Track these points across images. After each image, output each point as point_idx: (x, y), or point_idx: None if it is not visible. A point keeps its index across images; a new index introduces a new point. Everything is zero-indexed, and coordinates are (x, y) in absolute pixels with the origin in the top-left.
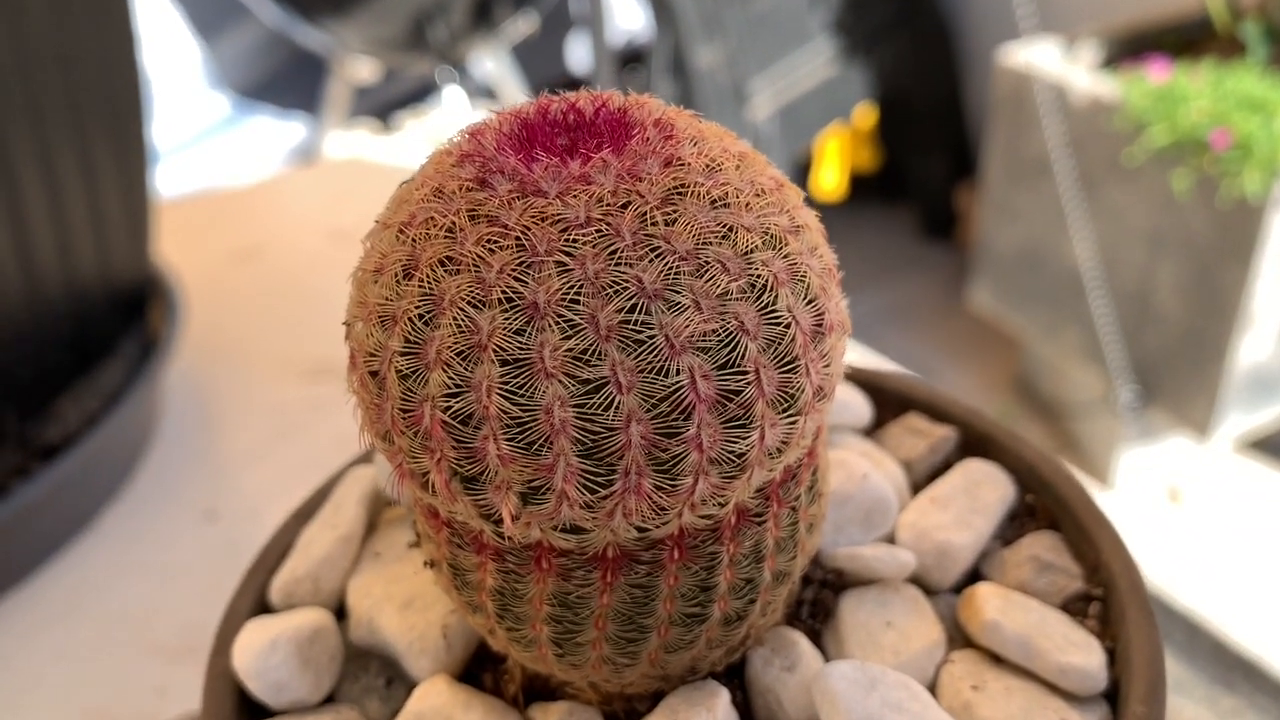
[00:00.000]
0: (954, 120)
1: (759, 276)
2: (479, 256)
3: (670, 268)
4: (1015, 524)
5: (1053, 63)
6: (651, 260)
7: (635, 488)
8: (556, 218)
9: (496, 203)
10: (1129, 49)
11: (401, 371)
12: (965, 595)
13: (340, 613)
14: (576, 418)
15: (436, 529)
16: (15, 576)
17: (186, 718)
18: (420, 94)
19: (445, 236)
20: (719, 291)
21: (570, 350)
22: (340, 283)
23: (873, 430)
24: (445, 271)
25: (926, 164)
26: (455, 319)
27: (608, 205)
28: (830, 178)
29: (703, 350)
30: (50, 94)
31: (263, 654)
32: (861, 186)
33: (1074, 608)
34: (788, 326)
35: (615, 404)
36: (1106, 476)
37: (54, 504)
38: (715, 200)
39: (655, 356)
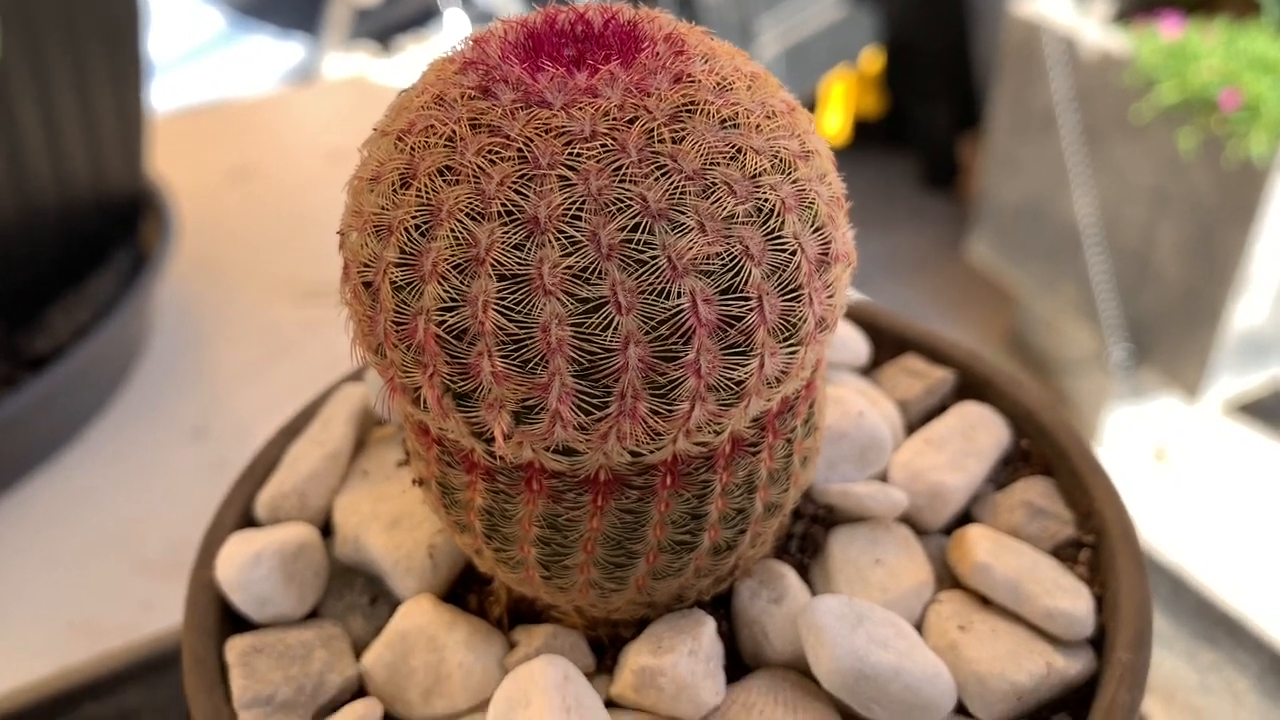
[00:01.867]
0: (961, 69)
1: (766, 201)
2: (479, 167)
3: (676, 187)
4: (1009, 468)
5: (1064, 14)
6: (657, 178)
7: (630, 411)
8: (560, 130)
9: (499, 112)
10: (1142, 4)
11: (396, 283)
12: (956, 536)
13: (326, 529)
14: (574, 337)
15: (426, 446)
16: (2, 485)
17: (172, 632)
18: (422, 18)
19: (445, 145)
20: (725, 214)
21: (570, 268)
22: (337, 205)
23: (870, 370)
24: (444, 181)
25: (931, 112)
26: (453, 230)
27: (614, 119)
28: (834, 122)
29: (705, 274)
30: (46, 6)
31: (247, 567)
32: (865, 132)
33: (1064, 554)
34: (793, 254)
35: (614, 324)
36: (1095, 433)
37: (43, 414)
38: (725, 120)
39: (656, 278)
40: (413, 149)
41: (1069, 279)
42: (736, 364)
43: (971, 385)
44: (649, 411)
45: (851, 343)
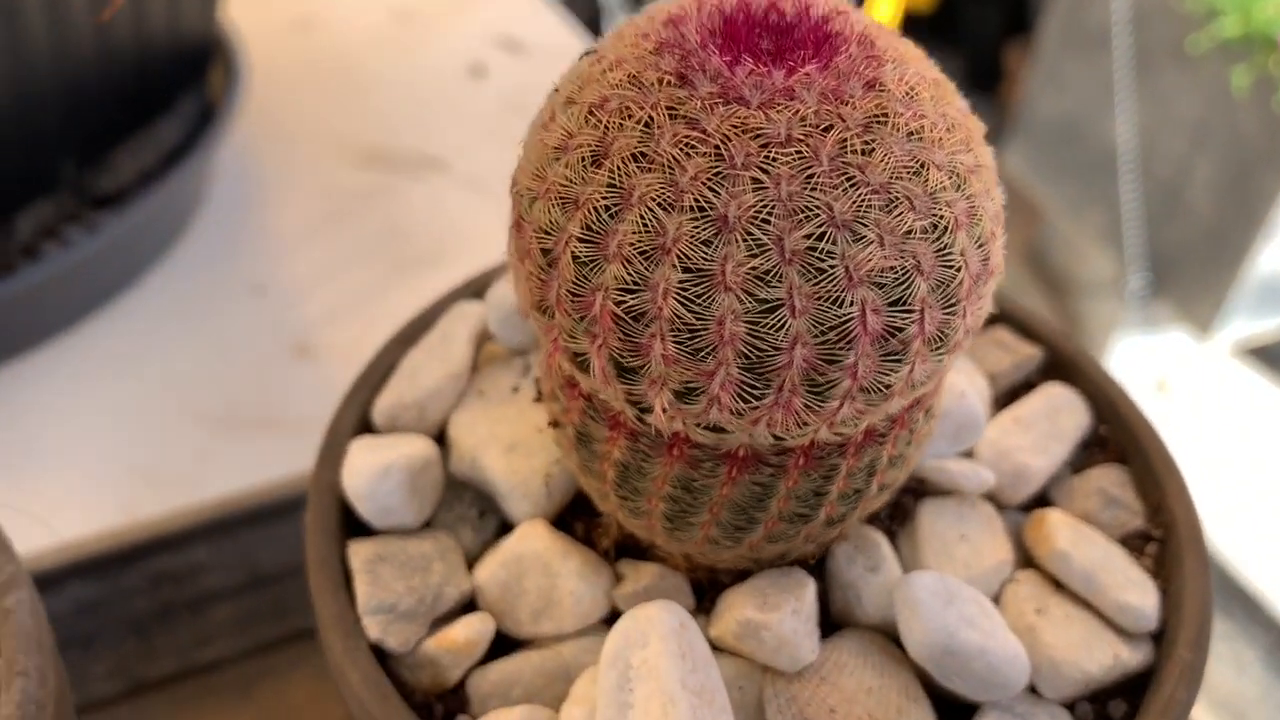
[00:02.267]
0: None
1: (942, 218)
2: (674, 158)
3: (862, 200)
4: (1087, 452)
5: None
6: (846, 189)
7: (786, 403)
8: (758, 131)
9: (697, 104)
10: None
11: (578, 257)
12: (1035, 517)
13: (440, 440)
14: (747, 333)
15: (572, 398)
16: (66, 322)
17: (236, 495)
18: None
19: (641, 130)
20: (905, 229)
21: (754, 269)
22: (402, 69)
23: None
24: (638, 167)
25: (981, 13)
26: (642, 217)
27: (810, 125)
28: (884, 11)
29: (878, 285)
30: None
31: (375, 478)
32: (913, 25)
33: (1132, 544)
34: (959, 270)
35: (786, 326)
36: (1101, 358)
37: (111, 256)
38: (911, 133)
39: (833, 286)
40: (606, 127)
41: (1097, 203)
42: (891, 369)
43: (1057, 364)
44: (802, 405)
45: None
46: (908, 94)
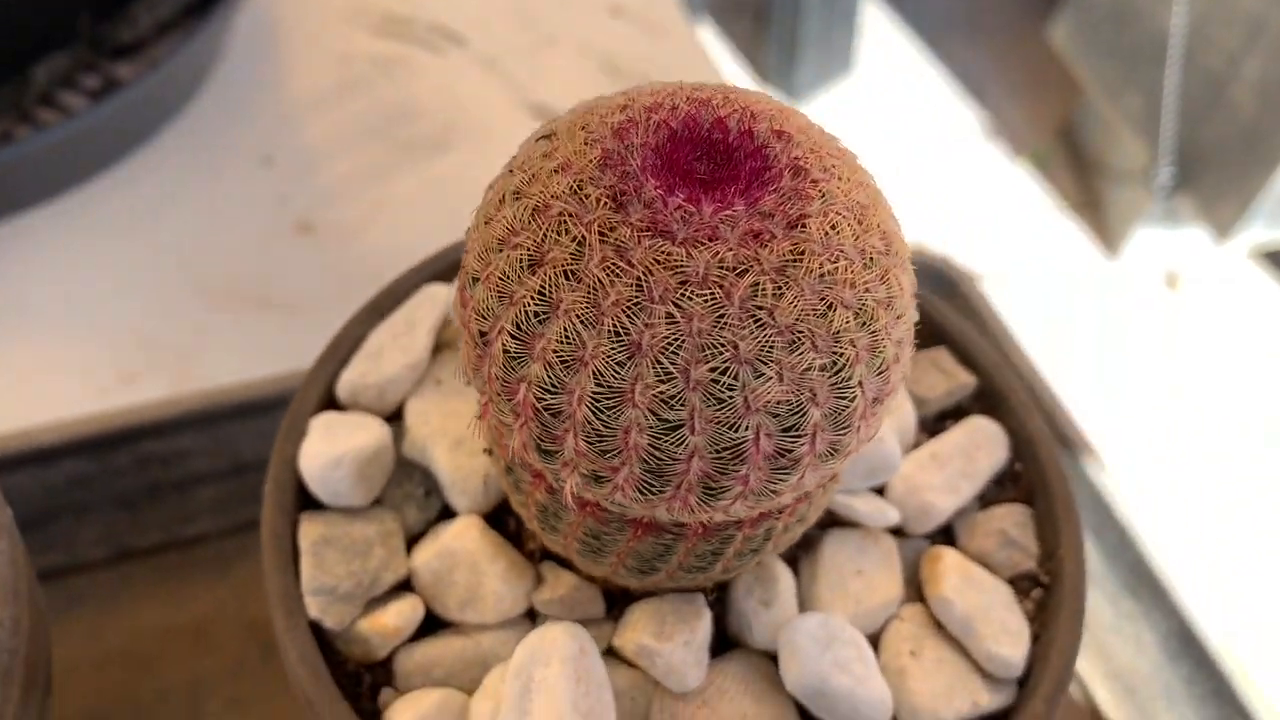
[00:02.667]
0: None
1: (842, 355)
2: (600, 281)
3: (767, 340)
4: (999, 487)
5: None
6: (752, 330)
7: (682, 499)
8: (678, 268)
9: (628, 231)
10: None
11: (508, 350)
12: (931, 555)
13: (398, 414)
14: (649, 445)
15: (502, 447)
16: (75, 180)
17: (223, 389)
18: None
19: (575, 247)
20: (804, 367)
21: (660, 393)
22: None
23: None
24: (567, 282)
25: None
26: (566, 330)
27: (727, 268)
28: None
29: (773, 415)
30: None
31: (327, 468)
32: None
33: (1020, 585)
34: (854, 399)
35: (685, 442)
36: (1117, 246)
37: (124, 116)
38: (824, 274)
39: (731, 413)
40: (544, 236)
41: (1138, 88)
42: (780, 479)
43: (989, 395)
44: (697, 501)
45: None
46: (829, 231)
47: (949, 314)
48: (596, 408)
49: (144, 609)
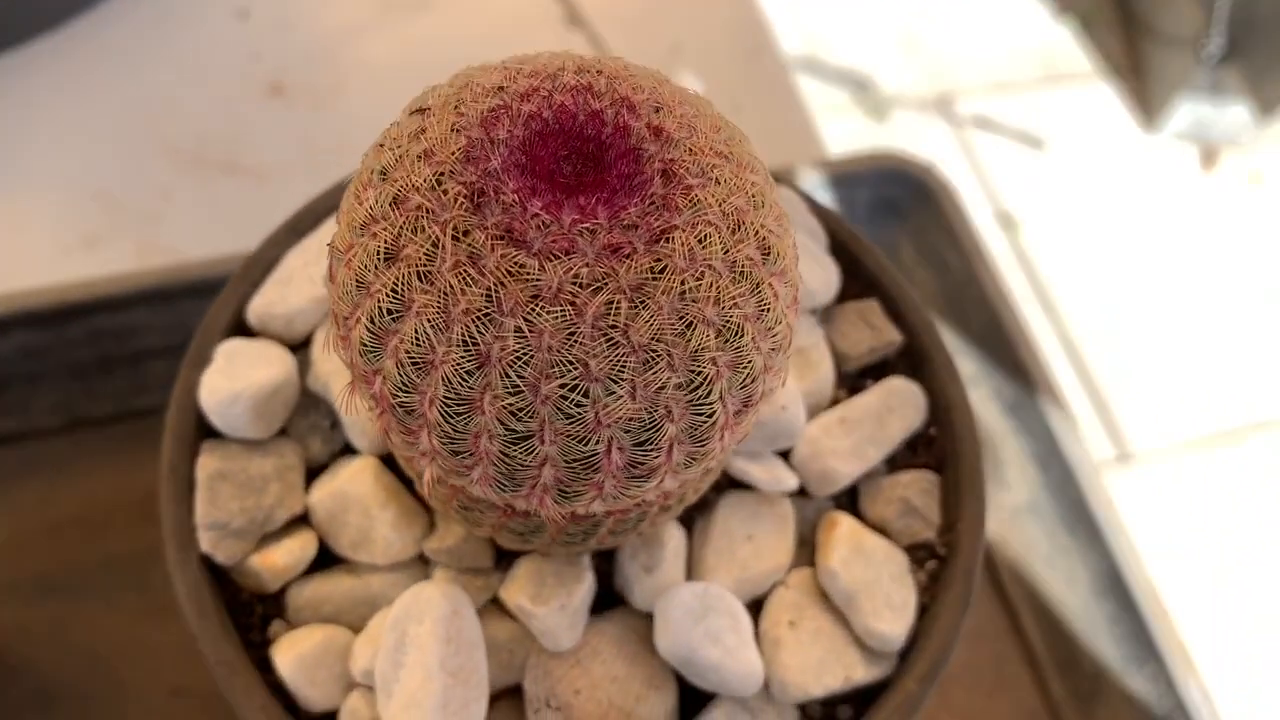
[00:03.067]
0: None
1: (700, 373)
2: (450, 286)
3: (620, 359)
4: (911, 451)
5: None
6: (604, 348)
7: (539, 499)
8: (530, 281)
9: (483, 237)
10: None
11: (364, 342)
12: (828, 521)
13: (307, 342)
14: (500, 452)
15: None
16: (45, 24)
17: (176, 266)
18: None
19: (429, 248)
20: (658, 386)
21: (509, 405)
22: None
23: (832, 306)
24: (418, 281)
25: None
26: (417, 331)
27: (581, 284)
28: None
29: (625, 430)
30: None
31: (224, 404)
32: None
33: (916, 555)
34: (711, 415)
35: (535, 451)
36: (1156, 115)
37: None
38: (685, 292)
39: (581, 428)
40: (401, 229)
41: None
42: (636, 487)
43: (912, 354)
44: (553, 502)
45: (819, 289)
46: (696, 244)
47: (885, 266)
48: (447, 412)
49: (95, 478)
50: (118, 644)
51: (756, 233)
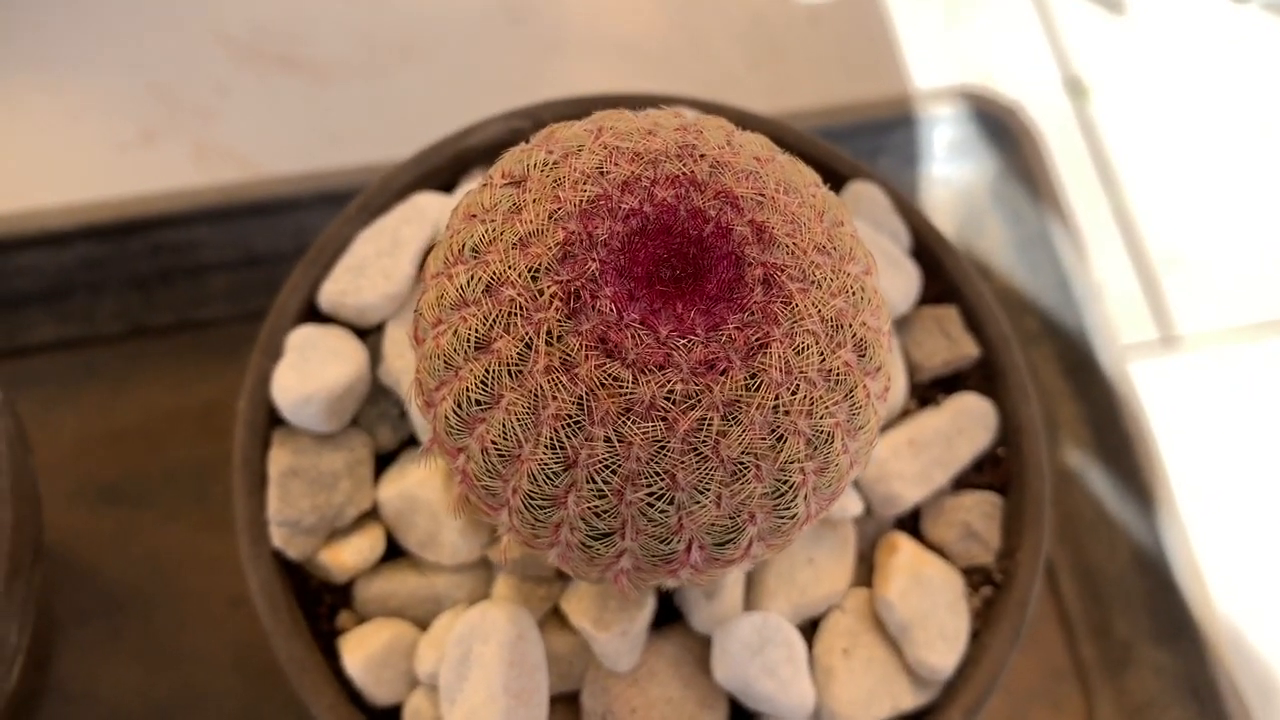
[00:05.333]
0: None
1: (787, 482)
2: (541, 389)
3: (708, 474)
4: (977, 471)
5: None
6: (694, 461)
7: (614, 578)
8: (623, 393)
9: (575, 341)
10: None
11: (449, 420)
12: (888, 544)
13: (379, 327)
14: (580, 544)
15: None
16: None
17: (238, 184)
18: None
19: (521, 347)
20: (744, 496)
21: (593, 507)
22: None
23: (911, 313)
24: (508, 377)
25: None
26: (505, 426)
27: (675, 399)
28: None
29: (707, 533)
30: None
31: (297, 404)
32: None
33: (973, 577)
34: (794, 517)
35: (616, 546)
36: None
37: None
38: (778, 407)
39: (663, 530)
40: (494, 321)
41: None
42: (713, 572)
43: (987, 368)
44: (629, 583)
45: (898, 296)
46: (793, 356)
47: (968, 271)
48: (530, 504)
49: (157, 387)
50: (179, 553)
51: (855, 334)
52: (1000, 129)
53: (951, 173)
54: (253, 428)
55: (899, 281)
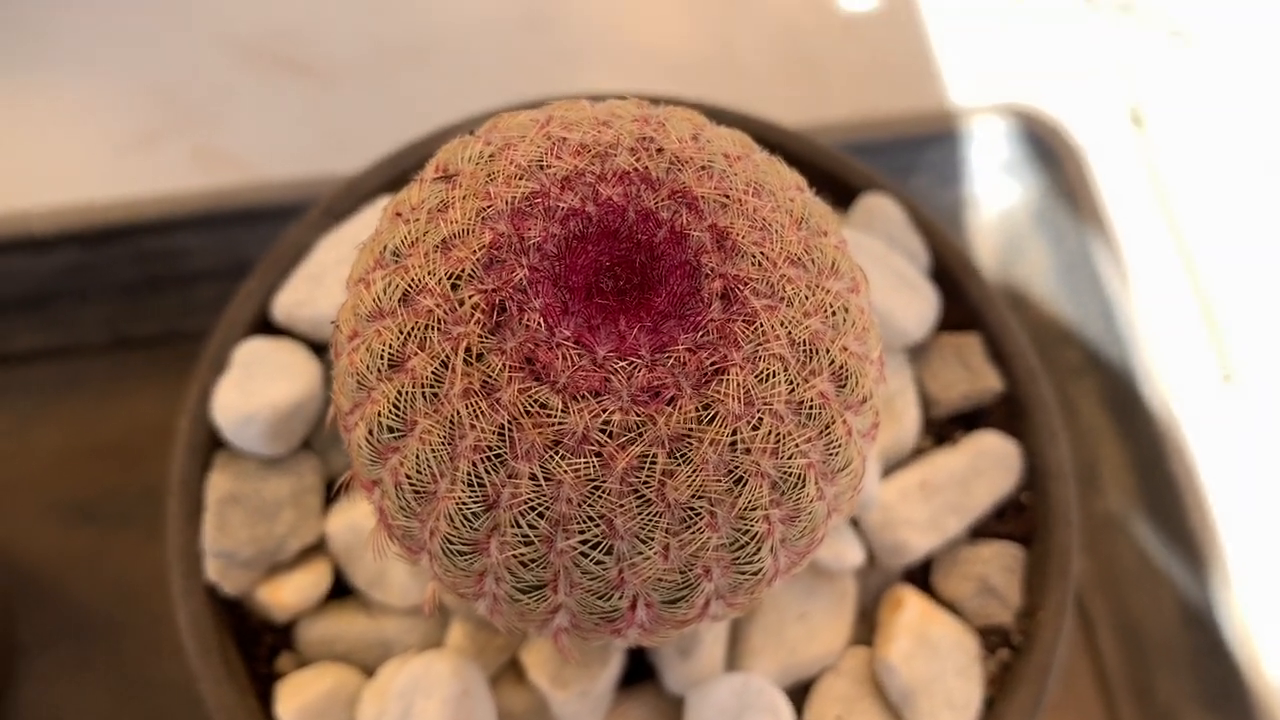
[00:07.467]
0: None
1: (748, 533)
2: (458, 415)
3: (652, 520)
4: (997, 519)
5: None
6: (634, 505)
7: (553, 636)
8: (552, 423)
9: (498, 361)
10: None
11: (362, 449)
12: (892, 599)
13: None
14: (508, 597)
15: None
16: None
17: (231, 189)
18: None
19: (436, 364)
20: (697, 546)
21: (519, 555)
22: None
23: (928, 340)
24: (423, 400)
25: None
26: (419, 457)
27: (612, 432)
28: None
29: (654, 589)
30: None
31: (239, 424)
32: None
33: (989, 638)
34: (757, 574)
35: (549, 600)
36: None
37: None
38: (736, 443)
39: (602, 585)
40: (409, 334)
41: None
42: (665, 633)
43: (1012, 405)
44: (568, 642)
45: (910, 328)
46: (755, 383)
47: (992, 297)
48: (449, 549)
49: (140, 400)
50: (153, 577)
51: (833, 361)
52: (1047, 150)
53: (992, 193)
54: (193, 449)
55: (914, 305)
